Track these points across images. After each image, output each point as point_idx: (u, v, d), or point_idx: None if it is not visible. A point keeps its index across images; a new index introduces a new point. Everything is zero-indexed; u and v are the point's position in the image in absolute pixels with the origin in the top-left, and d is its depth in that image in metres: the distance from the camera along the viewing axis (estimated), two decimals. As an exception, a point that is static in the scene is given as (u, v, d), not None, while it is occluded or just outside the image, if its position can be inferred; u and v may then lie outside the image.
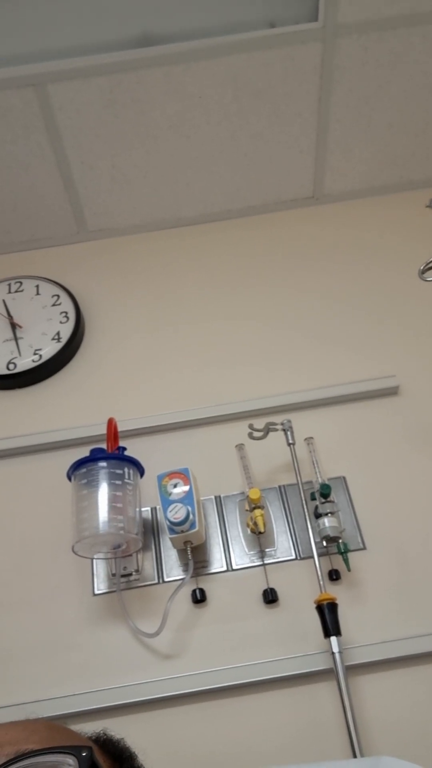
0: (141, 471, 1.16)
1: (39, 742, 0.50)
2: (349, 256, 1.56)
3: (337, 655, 0.97)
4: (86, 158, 1.48)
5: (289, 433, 1.19)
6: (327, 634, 0.98)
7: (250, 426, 1.20)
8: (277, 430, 1.19)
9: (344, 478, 1.21)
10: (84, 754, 0.48)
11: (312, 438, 1.24)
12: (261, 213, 1.67)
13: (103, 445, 1.16)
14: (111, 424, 1.18)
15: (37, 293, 1.52)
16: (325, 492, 1.11)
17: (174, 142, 1.48)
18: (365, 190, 1.67)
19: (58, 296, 1.51)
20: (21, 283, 1.54)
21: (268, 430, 1.19)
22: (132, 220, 1.65)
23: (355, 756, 0.90)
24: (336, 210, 1.67)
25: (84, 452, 1.13)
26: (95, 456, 1.11)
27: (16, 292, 1.53)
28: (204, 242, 1.64)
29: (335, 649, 0.97)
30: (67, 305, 1.49)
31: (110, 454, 1.13)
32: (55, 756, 0.49)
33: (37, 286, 1.53)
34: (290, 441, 1.19)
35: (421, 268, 1.16)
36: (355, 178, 1.64)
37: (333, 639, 0.98)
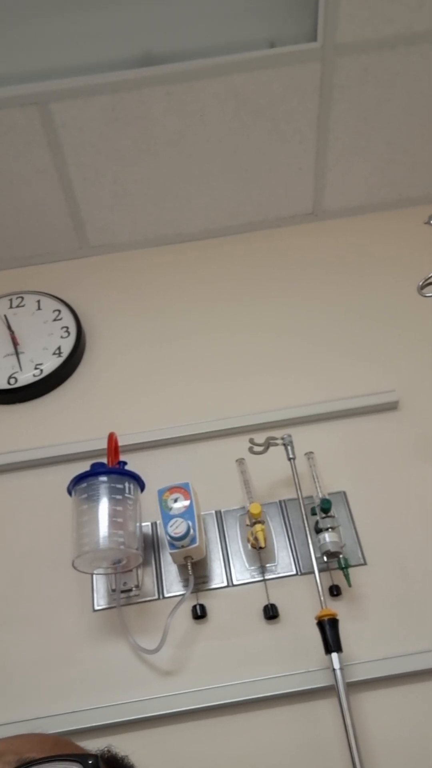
0: (141, 485, 1.16)
1: (43, 752, 0.49)
2: (348, 271, 1.57)
3: (338, 672, 0.96)
4: (88, 175, 1.50)
5: (289, 447, 1.19)
6: (328, 650, 0.98)
7: (251, 440, 1.20)
8: (277, 444, 1.20)
9: (344, 493, 1.21)
10: (90, 762, 0.47)
11: (312, 453, 1.24)
12: (261, 229, 1.69)
13: (104, 460, 1.16)
14: (111, 438, 1.18)
15: (39, 308, 1.53)
16: (325, 507, 1.11)
17: (175, 158, 1.49)
18: (364, 206, 1.68)
19: (59, 311, 1.51)
20: (22, 298, 1.55)
21: (268, 444, 1.19)
22: (133, 236, 1.66)
23: (356, 774, 0.90)
24: (335, 226, 1.68)
25: (84, 467, 1.13)
26: (96, 470, 1.11)
27: (17, 307, 1.53)
28: (204, 258, 1.65)
29: (336, 666, 0.96)
30: (68, 320, 1.49)
31: (111, 469, 1.13)
32: (61, 764, 0.47)
33: (39, 301, 1.54)
34: (291, 456, 1.19)
35: (420, 284, 1.17)
36: (354, 194, 1.65)
37: (334, 655, 0.97)
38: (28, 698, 1.05)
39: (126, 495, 1.10)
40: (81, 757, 0.48)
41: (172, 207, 1.60)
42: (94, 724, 1.00)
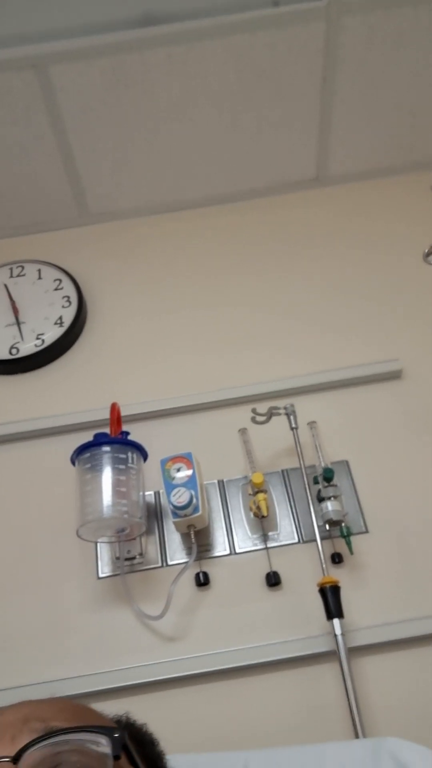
0: (144, 455, 1.16)
1: (67, 720, 0.48)
2: (352, 238, 1.55)
3: (339, 638, 0.97)
4: (88, 140, 1.47)
5: (292, 417, 1.19)
6: (330, 616, 0.99)
7: (253, 410, 1.20)
8: (280, 414, 1.19)
9: (347, 462, 1.21)
10: (116, 735, 0.46)
11: (315, 422, 1.24)
12: (264, 195, 1.66)
13: (107, 430, 1.17)
14: (114, 408, 1.18)
15: (39, 277, 1.51)
16: (327, 476, 1.12)
17: (177, 123, 1.46)
18: (369, 171, 1.65)
19: (60, 280, 1.50)
20: (23, 267, 1.53)
21: (271, 414, 1.19)
22: (134, 203, 1.64)
23: (357, 737, 0.91)
24: (340, 192, 1.65)
25: (87, 437, 1.13)
26: (99, 441, 1.12)
27: (18, 276, 1.52)
28: (207, 226, 1.63)
29: (338, 632, 0.98)
30: (69, 289, 1.48)
31: (114, 439, 1.13)
32: (88, 735, 0.47)
33: (39, 271, 1.52)
34: (293, 425, 1.19)
35: (426, 251, 1.15)
36: (359, 159, 1.62)
37: (335, 621, 0.98)
38: (35, 664, 1.07)
39: (129, 465, 1.11)
40: (108, 729, 0.47)
41: (173, 173, 1.57)
42: (99, 688, 1.03)
